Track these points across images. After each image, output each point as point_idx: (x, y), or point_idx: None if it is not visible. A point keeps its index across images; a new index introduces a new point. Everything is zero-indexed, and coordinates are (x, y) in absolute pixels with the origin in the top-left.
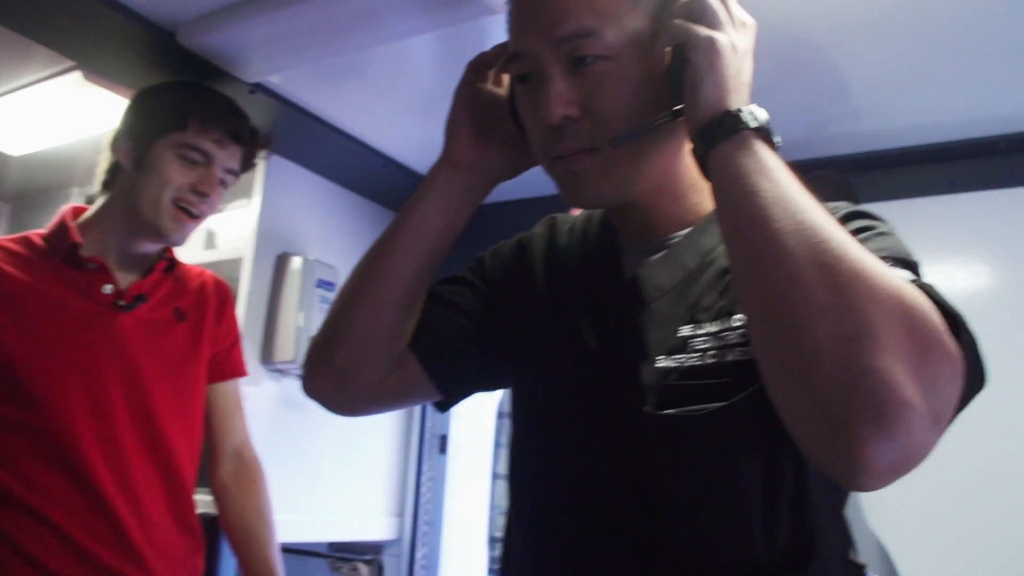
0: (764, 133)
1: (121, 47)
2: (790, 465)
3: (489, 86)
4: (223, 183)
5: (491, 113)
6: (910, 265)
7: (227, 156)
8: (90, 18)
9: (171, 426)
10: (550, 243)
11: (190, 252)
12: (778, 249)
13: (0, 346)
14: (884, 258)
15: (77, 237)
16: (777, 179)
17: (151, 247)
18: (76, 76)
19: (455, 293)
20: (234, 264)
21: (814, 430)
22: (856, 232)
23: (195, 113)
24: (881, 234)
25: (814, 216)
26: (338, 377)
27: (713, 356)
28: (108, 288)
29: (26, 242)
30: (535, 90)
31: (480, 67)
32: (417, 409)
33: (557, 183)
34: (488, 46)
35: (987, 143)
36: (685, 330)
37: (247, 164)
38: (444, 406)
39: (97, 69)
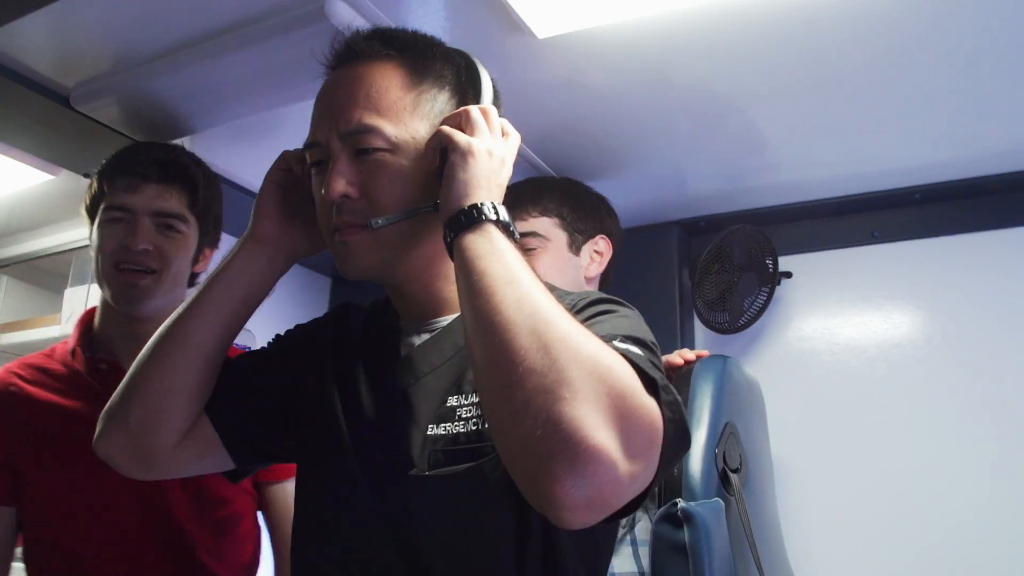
0: (503, 225)
1: (16, 112)
2: (538, 521)
3: (296, 173)
4: (164, 228)
5: (295, 197)
6: (639, 341)
7: (148, 199)
8: None
9: (196, 531)
10: (341, 324)
11: None
12: (500, 318)
13: (24, 476)
14: (612, 336)
15: (73, 343)
16: (507, 262)
17: (143, 327)
18: None
19: (251, 364)
20: None
21: (523, 472)
22: (595, 315)
23: (106, 173)
24: (618, 316)
25: (534, 293)
26: (132, 435)
27: (475, 423)
28: None
29: (52, 354)
30: (324, 173)
31: (289, 158)
32: None
33: (333, 254)
34: None
35: (903, 194)
36: (452, 400)
37: (193, 200)
38: (236, 477)
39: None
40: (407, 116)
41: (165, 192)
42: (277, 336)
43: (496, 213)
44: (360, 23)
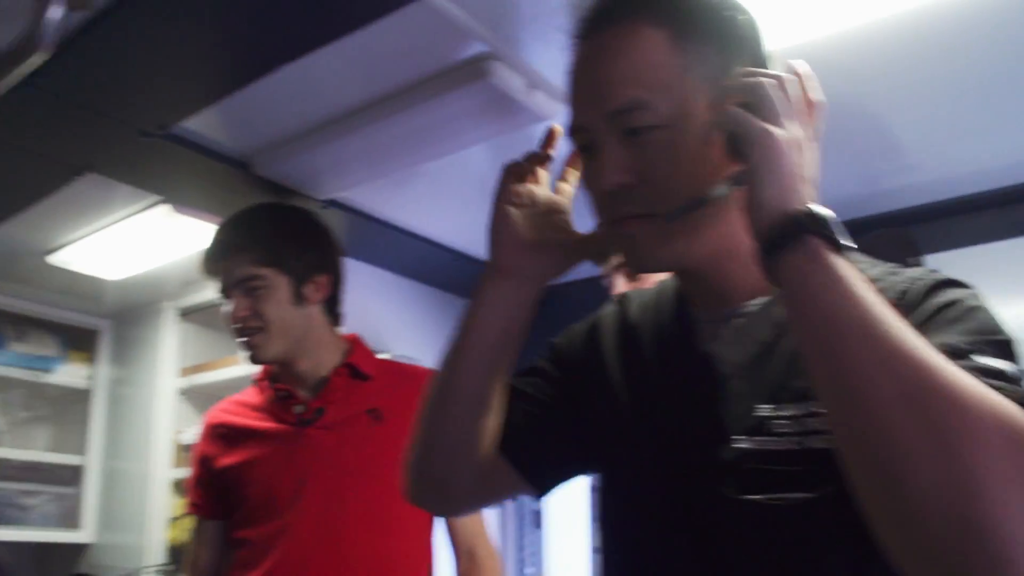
0: (829, 236)
1: (202, 180)
2: (878, 569)
3: (527, 187)
4: (249, 291)
5: (532, 217)
6: (1003, 347)
7: (223, 275)
8: (173, 158)
9: (361, 529)
10: (622, 321)
11: None
12: (860, 384)
13: (232, 487)
14: (974, 349)
15: (260, 377)
16: (850, 296)
17: (293, 366)
18: (164, 208)
19: (532, 385)
20: None
21: (921, 572)
22: (940, 309)
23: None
24: (969, 310)
25: (896, 341)
26: (437, 487)
27: (795, 442)
28: (298, 408)
29: (248, 392)
30: (593, 159)
31: (514, 170)
32: None
33: (617, 248)
34: None
35: None
36: (764, 410)
37: (257, 258)
38: (541, 495)
39: (182, 201)
40: (676, 82)
41: (231, 264)
42: (551, 345)
43: (820, 222)
44: (519, 83)
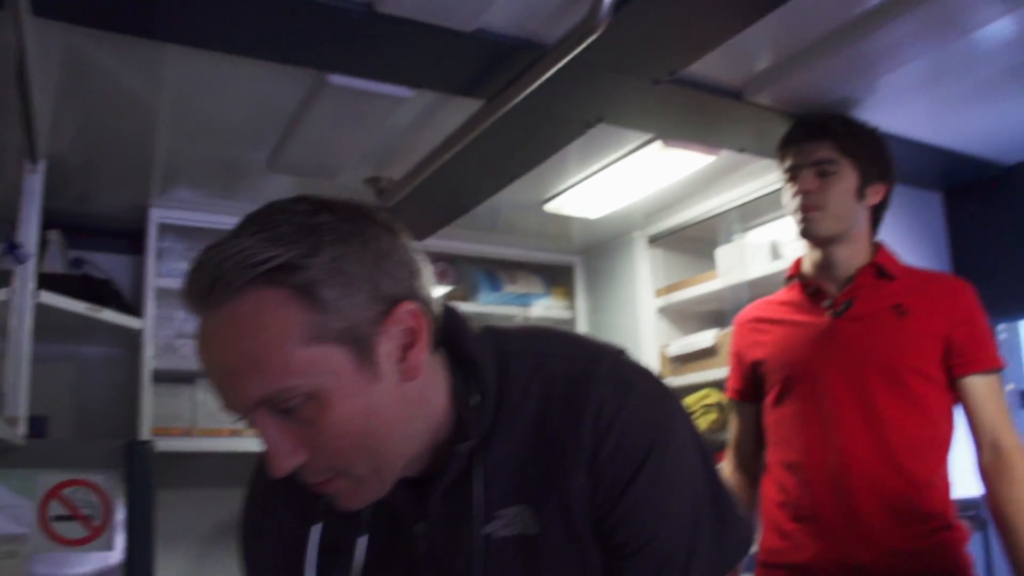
0: None
1: (695, 114)
2: None
3: None
4: (819, 175)
5: None
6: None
7: (803, 155)
8: (673, 98)
9: (889, 413)
10: None
11: (759, 264)
12: None
13: (765, 372)
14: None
15: (792, 271)
16: None
17: (830, 255)
18: (656, 145)
19: None
20: None
21: None
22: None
23: (779, 146)
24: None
25: None
26: None
27: None
28: (827, 302)
29: (781, 291)
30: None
31: None
32: None
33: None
34: None
35: None
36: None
37: (841, 146)
38: None
39: (674, 136)
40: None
41: (814, 145)
42: None
43: None
44: None
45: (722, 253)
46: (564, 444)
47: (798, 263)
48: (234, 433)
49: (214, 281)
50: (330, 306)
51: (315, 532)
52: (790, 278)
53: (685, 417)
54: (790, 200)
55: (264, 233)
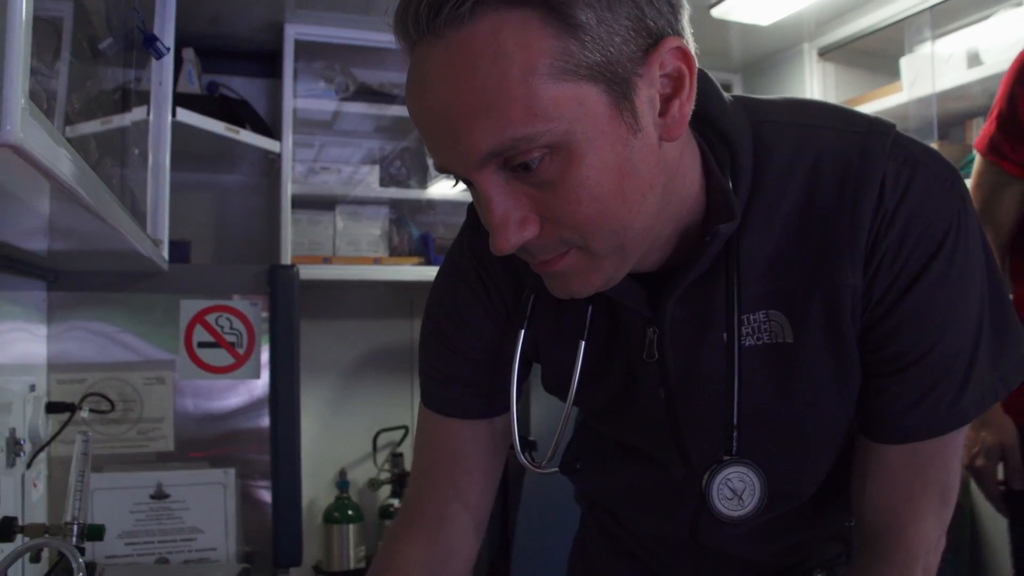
0: None
1: None
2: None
3: None
4: None
5: None
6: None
7: None
8: None
9: None
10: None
11: (953, 73)
12: None
13: None
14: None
15: None
16: None
17: None
18: None
19: None
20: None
21: None
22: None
23: None
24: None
25: None
26: None
27: None
28: None
29: None
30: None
31: None
32: None
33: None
34: None
35: None
36: None
37: None
38: None
39: None
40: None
41: None
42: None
43: None
44: None
45: (907, 63)
46: (834, 235)
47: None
48: (376, 261)
49: (442, 0)
50: (587, 33)
51: (522, 335)
52: None
53: (972, 205)
54: None
55: None
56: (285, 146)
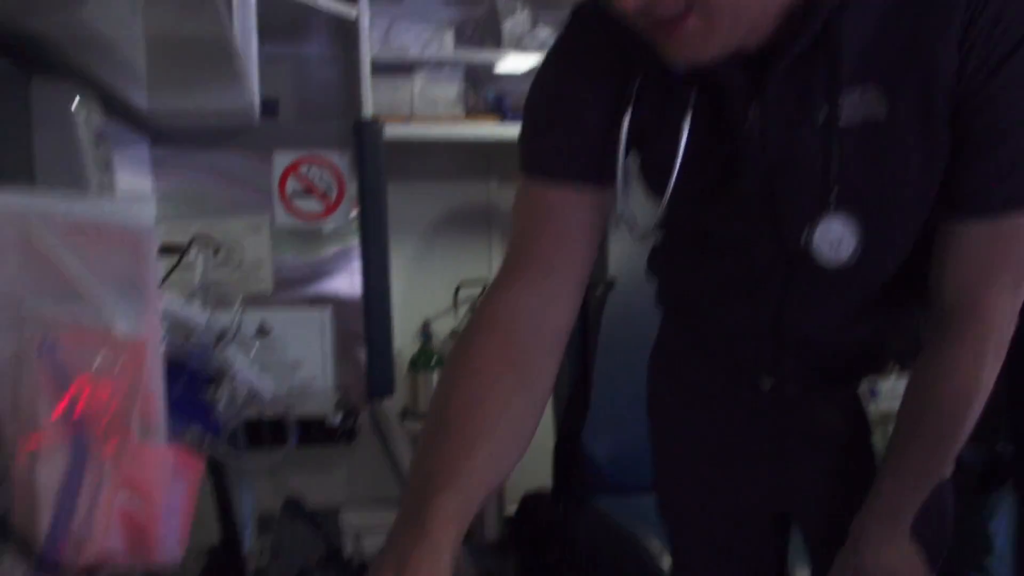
0: None
1: None
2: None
3: None
4: None
5: None
6: None
7: None
8: None
9: None
10: None
11: None
12: None
13: None
14: None
15: None
16: None
17: None
18: None
19: None
20: None
21: None
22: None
23: None
24: None
25: None
26: None
27: None
28: None
29: None
30: None
31: None
32: None
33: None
34: None
35: None
36: None
37: None
38: None
39: None
40: None
41: None
42: None
43: None
44: None
45: None
46: (933, 12)
47: None
48: (455, 119)
49: None
50: None
51: (628, 113)
52: None
53: None
54: None
55: None
56: (362, 9)
